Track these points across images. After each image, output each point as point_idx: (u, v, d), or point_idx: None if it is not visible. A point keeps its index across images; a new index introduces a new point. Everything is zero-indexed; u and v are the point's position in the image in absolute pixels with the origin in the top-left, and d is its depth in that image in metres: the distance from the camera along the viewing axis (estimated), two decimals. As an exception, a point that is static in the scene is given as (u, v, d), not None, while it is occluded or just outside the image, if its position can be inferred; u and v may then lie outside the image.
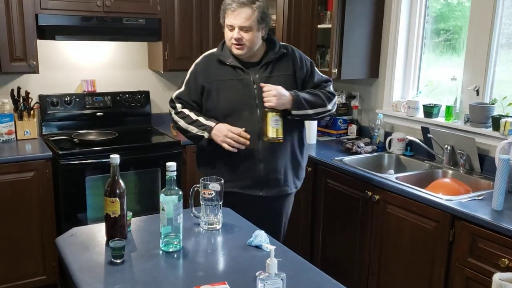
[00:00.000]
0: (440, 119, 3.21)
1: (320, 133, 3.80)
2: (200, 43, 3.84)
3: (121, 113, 3.92)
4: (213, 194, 1.97)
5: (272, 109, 2.35)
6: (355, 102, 3.85)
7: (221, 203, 2.01)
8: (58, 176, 3.19)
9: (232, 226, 2.06)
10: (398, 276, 2.73)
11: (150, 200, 3.48)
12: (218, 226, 2.03)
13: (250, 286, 1.54)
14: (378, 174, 2.87)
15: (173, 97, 2.54)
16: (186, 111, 2.48)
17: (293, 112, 2.41)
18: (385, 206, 2.76)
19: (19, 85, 3.49)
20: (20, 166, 3.09)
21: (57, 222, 3.27)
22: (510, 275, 1.35)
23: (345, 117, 3.84)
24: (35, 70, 3.33)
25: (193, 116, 2.46)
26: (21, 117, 3.46)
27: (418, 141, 3.18)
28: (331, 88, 2.59)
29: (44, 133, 3.65)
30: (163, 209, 1.80)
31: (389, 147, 3.35)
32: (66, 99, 3.70)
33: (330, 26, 3.43)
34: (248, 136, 2.35)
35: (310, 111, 2.46)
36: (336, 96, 2.62)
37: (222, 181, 1.99)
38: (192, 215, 2.07)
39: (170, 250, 1.81)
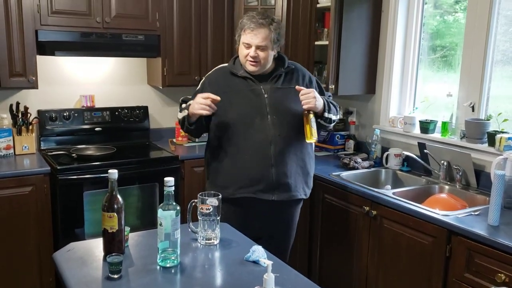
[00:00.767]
0: (437, 135, 3.23)
1: (317, 148, 3.81)
2: (199, 59, 3.87)
3: (120, 128, 3.93)
4: (211, 209, 1.98)
5: (308, 111, 2.46)
6: (352, 117, 3.87)
7: (218, 218, 2.02)
8: (56, 191, 3.19)
9: (230, 241, 2.07)
10: (395, 291, 2.72)
11: (148, 215, 3.48)
12: (216, 241, 2.04)
13: (247, 301, 1.54)
14: (375, 189, 2.89)
15: (180, 101, 2.67)
16: (183, 105, 2.59)
17: (326, 114, 2.55)
18: (382, 221, 2.77)
19: (18, 100, 3.50)
20: (18, 181, 3.09)
21: (54, 237, 3.26)
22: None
23: (342, 133, 3.86)
24: (34, 85, 3.34)
25: (184, 105, 2.57)
26: (19, 132, 3.47)
27: (414, 156, 3.20)
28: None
29: (42, 148, 3.66)
30: (160, 224, 1.80)
31: (386, 163, 3.37)
32: (65, 114, 3.71)
33: (327, 42, 3.46)
34: (218, 98, 2.39)
35: (334, 117, 2.63)
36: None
37: (220, 196, 2.00)
38: (189, 230, 2.08)
39: (168, 265, 1.81)
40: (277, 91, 2.56)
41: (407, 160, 3.32)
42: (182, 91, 2.55)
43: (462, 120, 3.06)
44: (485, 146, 2.89)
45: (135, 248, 1.97)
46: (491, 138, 2.84)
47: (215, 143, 2.62)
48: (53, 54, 3.41)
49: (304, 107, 2.44)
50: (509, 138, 2.75)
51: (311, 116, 2.46)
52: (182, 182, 3.59)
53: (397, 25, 3.45)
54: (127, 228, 1.95)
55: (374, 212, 2.79)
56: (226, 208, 2.21)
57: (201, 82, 2.68)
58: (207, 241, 2.02)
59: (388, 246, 2.74)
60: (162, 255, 1.82)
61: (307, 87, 2.58)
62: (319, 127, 2.61)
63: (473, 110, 3.02)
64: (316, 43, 3.62)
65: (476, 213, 2.48)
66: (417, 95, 3.55)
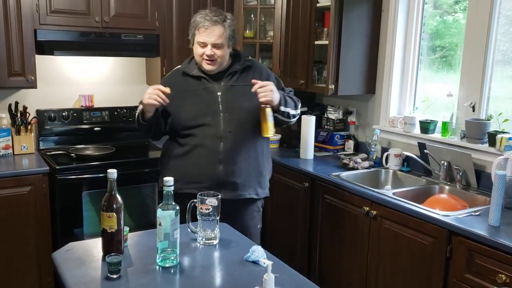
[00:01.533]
0: (437, 135, 3.22)
1: (317, 148, 3.80)
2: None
3: (119, 128, 3.93)
4: (210, 209, 1.97)
5: (267, 105, 2.39)
6: (352, 117, 3.87)
7: (218, 218, 2.01)
8: (55, 191, 3.18)
9: (229, 241, 2.06)
10: (395, 292, 2.72)
11: (147, 215, 3.47)
12: (215, 241, 2.03)
13: (247, 302, 1.54)
14: (375, 190, 2.88)
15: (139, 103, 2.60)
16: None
17: (281, 108, 2.47)
18: (382, 221, 2.76)
19: (17, 100, 3.50)
20: (16, 180, 3.08)
21: (53, 237, 3.25)
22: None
23: (342, 133, 3.85)
24: (33, 85, 3.33)
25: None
26: (18, 132, 3.46)
27: (414, 156, 3.19)
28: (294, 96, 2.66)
29: (41, 147, 3.65)
30: (160, 224, 1.79)
31: (386, 163, 3.36)
32: (64, 114, 3.70)
33: (327, 42, 3.45)
34: (168, 90, 2.36)
35: (292, 111, 2.54)
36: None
37: (219, 196, 1.99)
38: (189, 230, 2.07)
39: (167, 265, 1.80)
40: (231, 88, 2.53)
41: (407, 160, 3.31)
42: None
43: (462, 120, 3.05)
44: (485, 146, 2.88)
45: (134, 248, 1.97)
46: (492, 138, 2.84)
47: (169, 142, 2.64)
48: (52, 53, 3.40)
49: (261, 100, 2.36)
50: (509, 138, 2.74)
51: (268, 110, 2.38)
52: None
53: (397, 25, 3.45)
54: (126, 228, 1.95)
55: (374, 213, 2.78)
56: (178, 203, 2.14)
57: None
58: (206, 241, 2.02)
59: (388, 247, 2.73)
60: (162, 255, 1.81)
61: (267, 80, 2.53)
62: (279, 123, 2.54)
63: (473, 110, 3.01)
64: (316, 42, 3.61)
65: (476, 213, 2.48)
66: (417, 95, 3.54)
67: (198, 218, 2.00)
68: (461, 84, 3.10)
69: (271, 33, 3.91)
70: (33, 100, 3.65)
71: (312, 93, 4.02)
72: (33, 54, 3.30)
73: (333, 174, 3.20)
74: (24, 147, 3.49)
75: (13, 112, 3.46)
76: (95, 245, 1.93)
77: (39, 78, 3.49)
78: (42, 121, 3.63)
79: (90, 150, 3.64)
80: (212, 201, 1.97)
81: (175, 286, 1.74)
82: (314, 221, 3.29)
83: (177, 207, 1.81)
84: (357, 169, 3.30)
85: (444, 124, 3.16)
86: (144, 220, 3.43)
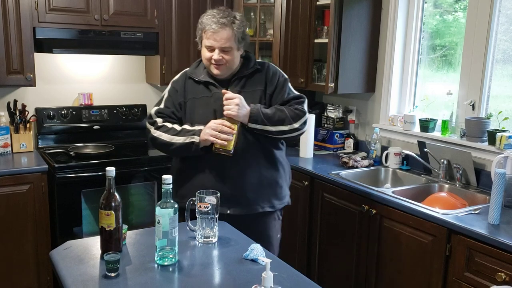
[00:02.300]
0: (436, 134, 3.22)
1: (316, 147, 3.80)
2: (197, 57, 3.79)
3: (118, 127, 3.92)
4: (209, 208, 1.96)
5: (230, 119, 2.25)
6: (352, 116, 3.86)
7: (217, 216, 2.00)
8: (53, 189, 3.18)
9: (228, 239, 2.05)
10: (395, 291, 2.71)
11: (146, 213, 3.47)
12: (214, 240, 2.02)
13: (245, 300, 1.53)
14: (375, 188, 2.87)
15: (153, 113, 2.44)
16: (169, 124, 2.38)
17: (249, 125, 2.29)
18: (381, 220, 2.75)
19: (15, 98, 3.49)
20: (15, 179, 3.08)
21: (52, 235, 3.25)
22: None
23: (342, 131, 3.85)
24: (32, 83, 3.32)
25: (177, 127, 2.36)
26: (17, 130, 3.46)
27: (414, 155, 3.18)
28: (303, 106, 2.42)
29: (40, 146, 3.64)
30: (158, 222, 1.79)
31: (386, 161, 3.36)
32: (63, 112, 3.69)
33: (327, 40, 3.45)
34: (229, 124, 2.23)
35: (270, 128, 2.32)
36: (307, 114, 2.42)
37: (218, 194, 1.99)
38: (188, 228, 2.06)
39: (166, 263, 1.80)
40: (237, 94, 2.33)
41: (406, 159, 3.31)
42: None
43: (462, 119, 3.05)
44: (485, 145, 2.88)
45: (132, 246, 1.96)
46: (492, 137, 2.83)
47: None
48: (51, 51, 3.39)
49: (224, 113, 2.24)
50: (509, 137, 2.73)
51: (236, 125, 2.24)
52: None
53: (397, 23, 3.44)
54: (125, 226, 1.94)
55: (374, 211, 2.78)
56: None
57: (169, 89, 2.49)
58: (205, 239, 2.01)
59: (387, 245, 2.73)
60: (160, 253, 1.80)
61: (269, 87, 2.41)
62: (269, 139, 2.38)
63: (473, 109, 3.00)
64: (316, 41, 3.61)
65: (476, 212, 2.47)
66: (417, 94, 3.53)
67: (197, 216, 1.99)
68: (461, 82, 3.09)
69: (270, 31, 3.90)
70: (32, 98, 3.64)
71: (312, 92, 4.02)
72: (32, 52, 3.29)
73: (333, 172, 3.19)
74: (23, 145, 3.49)
75: (12, 110, 3.45)
76: (94, 243, 1.93)
77: (38, 76, 3.48)
78: (41, 119, 3.62)
79: (89, 149, 3.63)
80: (211, 200, 1.96)
81: (173, 284, 1.73)
82: (314, 220, 3.28)
83: (176, 205, 1.80)
84: (356, 167, 3.30)
85: (444, 122, 3.16)
86: (143, 219, 3.43)
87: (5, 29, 3.18)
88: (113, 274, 1.69)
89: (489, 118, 2.92)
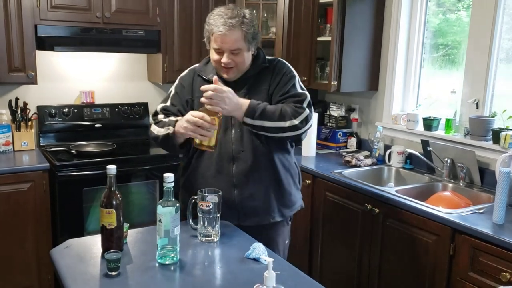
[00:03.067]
0: (440, 132, 3.20)
1: (319, 146, 3.78)
2: (199, 55, 3.83)
3: (120, 125, 3.91)
4: (211, 206, 1.95)
5: (211, 112, 2.02)
6: (355, 115, 3.85)
7: (218, 215, 1.99)
8: (55, 187, 3.17)
9: (230, 238, 2.04)
10: (398, 290, 2.70)
11: (148, 212, 3.46)
12: (216, 239, 2.00)
13: (247, 300, 1.52)
14: (378, 187, 2.85)
15: (158, 109, 2.32)
16: (163, 117, 2.26)
17: (245, 119, 2.10)
18: (384, 219, 2.73)
19: (17, 96, 3.48)
20: (16, 177, 3.07)
21: (53, 234, 3.24)
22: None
23: (344, 130, 3.83)
24: (33, 81, 3.31)
25: (165, 119, 2.22)
26: (18, 128, 3.45)
27: (417, 154, 3.16)
28: (303, 104, 2.20)
29: (41, 144, 3.63)
30: (160, 221, 1.77)
31: (389, 160, 3.34)
32: (64, 110, 3.68)
33: (329, 38, 3.43)
34: (209, 119, 2.01)
35: (268, 123, 2.11)
36: (308, 112, 2.18)
37: (220, 193, 1.97)
38: (189, 227, 2.05)
39: (167, 262, 1.78)
40: (244, 96, 2.18)
41: (410, 158, 3.29)
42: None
43: (466, 117, 3.03)
44: (489, 144, 2.86)
45: (134, 245, 1.94)
46: (496, 136, 2.81)
47: (188, 160, 2.35)
48: (53, 49, 3.38)
49: (206, 107, 2.02)
50: (514, 136, 2.72)
51: (218, 119, 2.03)
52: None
53: (400, 21, 3.42)
54: (126, 225, 1.93)
55: (377, 210, 2.76)
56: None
57: (176, 85, 2.36)
58: (207, 238, 1.99)
59: (390, 245, 2.71)
60: (161, 252, 1.79)
61: (272, 84, 2.25)
62: (274, 141, 2.23)
63: (477, 107, 2.98)
64: (319, 39, 3.59)
65: (480, 211, 2.45)
66: (420, 92, 3.52)
67: (199, 215, 1.98)
68: (465, 81, 3.07)
69: (273, 29, 3.89)
70: (34, 96, 3.63)
71: (315, 90, 4.00)
72: (33, 50, 3.28)
73: (335, 171, 3.17)
74: (24, 143, 3.48)
75: (14, 108, 3.45)
76: (95, 242, 1.91)
77: (40, 74, 3.47)
78: (42, 117, 3.61)
79: (90, 147, 3.62)
80: (213, 198, 1.95)
81: (175, 283, 1.72)
82: (316, 219, 3.27)
83: (177, 204, 1.79)
84: (359, 166, 3.28)
85: (448, 121, 3.14)
86: (144, 217, 3.41)
87: (7, 26, 3.17)
88: (114, 273, 1.68)
89: (493, 117, 2.90)
